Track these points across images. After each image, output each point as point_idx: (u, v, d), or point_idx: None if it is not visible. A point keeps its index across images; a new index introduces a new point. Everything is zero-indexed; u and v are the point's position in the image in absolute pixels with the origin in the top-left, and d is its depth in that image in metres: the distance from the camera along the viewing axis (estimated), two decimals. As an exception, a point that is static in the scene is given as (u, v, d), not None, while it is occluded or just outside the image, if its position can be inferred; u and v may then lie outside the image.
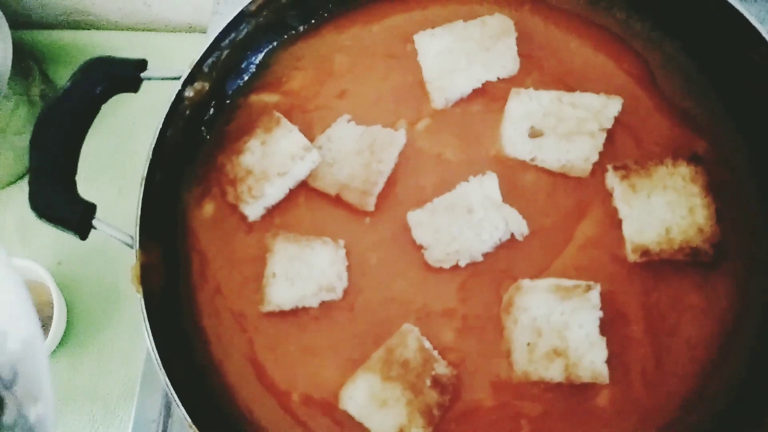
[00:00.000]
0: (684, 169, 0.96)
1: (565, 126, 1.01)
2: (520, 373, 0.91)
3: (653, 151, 1.01)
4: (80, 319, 1.35)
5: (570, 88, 1.04)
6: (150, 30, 1.60)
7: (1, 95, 1.31)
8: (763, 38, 0.94)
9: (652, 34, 1.09)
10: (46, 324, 1.28)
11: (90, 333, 1.34)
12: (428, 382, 0.91)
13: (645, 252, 0.93)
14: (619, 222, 0.97)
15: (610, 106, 1.01)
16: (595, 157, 1.00)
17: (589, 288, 0.91)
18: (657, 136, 1.02)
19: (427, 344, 0.93)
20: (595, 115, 1.01)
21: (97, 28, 1.61)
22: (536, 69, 1.08)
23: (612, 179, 0.98)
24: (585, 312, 0.90)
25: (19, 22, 1.51)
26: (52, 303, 1.25)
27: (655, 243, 0.93)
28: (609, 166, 0.98)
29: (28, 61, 1.48)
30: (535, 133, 1.02)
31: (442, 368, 0.92)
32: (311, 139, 1.05)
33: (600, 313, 0.90)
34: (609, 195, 0.99)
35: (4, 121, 1.37)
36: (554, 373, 0.89)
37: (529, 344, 0.91)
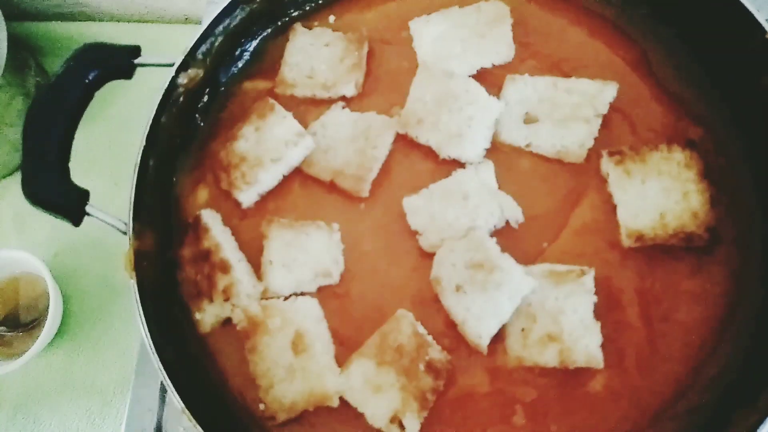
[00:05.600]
0: (679, 155, 0.96)
1: (560, 112, 1.01)
2: (514, 358, 0.91)
3: (648, 137, 1.01)
4: (76, 311, 1.35)
5: (565, 75, 1.04)
6: (145, 21, 1.59)
7: (-5, 86, 1.31)
8: (760, 25, 0.94)
9: (648, 20, 1.08)
10: (42, 315, 1.28)
11: (86, 324, 1.34)
12: (422, 367, 0.90)
13: (639, 237, 0.93)
14: (614, 208, 0.96)
15: (606, 92, 1.00)
16: (591, 143, 0.99)
17: (583, 273, 0.91)
18: (652, 122, 1.02)
19: (422, 329, 0.93)
20: (590, 101, 1.00)
21: (93, 20, 1.61)
22: (531, 56, 1.08)
23: (607, 165, 0.98)
24: (579, 297, 0.90)
25: (14, 14, 1.51)
26: (48, 294, 1.24)
27: (650, 228, 0.93)
28: (604, 152, 0.98)
29: (24, 53, 1.48)
30: (530, 119, 1.02)
31: (436, 353, 0.91)
32: (305, 126, 1.05)
33: (594, 298, 0.90)
34: (604, 181, 0.99)
35: (0, 113, 1.37)
36: (548, 357, 0.89)
37: (523, 329, 0.91)
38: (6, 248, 1.30)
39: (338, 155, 1.03)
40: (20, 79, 1.42)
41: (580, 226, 0.98)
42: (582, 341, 0.88)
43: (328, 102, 1.08)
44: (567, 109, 1.01)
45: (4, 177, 1.49)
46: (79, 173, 1.02)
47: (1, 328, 1.30)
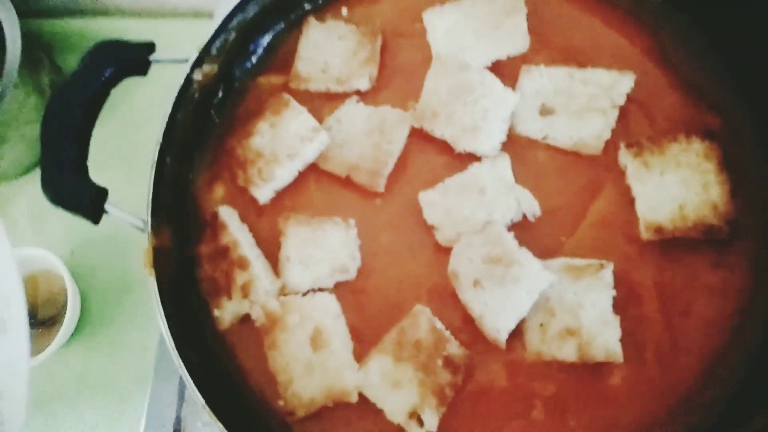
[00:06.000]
0: (698, 146, 0.95)
1: (576, 103, 1.00)
2: (533, 353, 0.91)
3: (666, 127, 1.00)
4: (94, 308, 1.36)
5: (581, 65, 1.03)
6: (157, 16, 1.59)
7: (11, 85, 1.31)
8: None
9: (662, 7, 1.07)
10: (60, 312, 1.29)
11: (103, 321, 1.35)
12: (440, 363, 0.90)
13: (658, 229, 0.92)
14: (632, 200, 0.96)
15: (622, 82, 0.99)
16: (608, 135, 0.99)
17: (601, 267, 0.91)
18: (670, 112, 1.01)
19: (439, 324, 0.93)
20: (606, 92, 0.99)
21: (105, 15, 1.61)
22: (546, 46, 1.07)
23: (625, 157, 0.97)
24: (598, 291, 0.90)
25: (27, 11, 1.51)
26: (66, 291, 1.25)
27: (669, 220, 0.92)
28: (621, 144, 0.97)
29: (37, 51, 1.48)
30: (546, 111, 1.01)
31: (454, 348, 0.91)
32: (320, 121, 1.04)
33: (613, 292, 0.89)
34: (622, 173, 0.98)
35: (15, 110, 1.37)
36: (567, 352, 0.89)
37: (541, 324, 0.91)
38: (23, 246, 1.31)
39: (353, 150, 1.03)
40: (34, 76, 1.43)
41: (598, 220, 0.97)
42: (601, 336, 0.88)
43: (343, 96, 1.08)
44: (583, 101, 1.00)
45: (20, 175, 1.50)
46: (94, 171, 1.02)
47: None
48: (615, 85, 0.99)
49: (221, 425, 0.85)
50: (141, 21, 1.59)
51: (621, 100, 0.99)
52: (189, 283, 1.01)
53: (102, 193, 0.99)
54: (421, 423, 0.89)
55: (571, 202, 0.98)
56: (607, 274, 0.90)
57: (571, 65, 1.03)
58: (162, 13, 1.59)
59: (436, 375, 0.90)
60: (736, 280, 0.92)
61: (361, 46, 1.09)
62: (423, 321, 0.93)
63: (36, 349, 1.25)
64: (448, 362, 0.91)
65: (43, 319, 1.31)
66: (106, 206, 0.99)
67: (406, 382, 0.90)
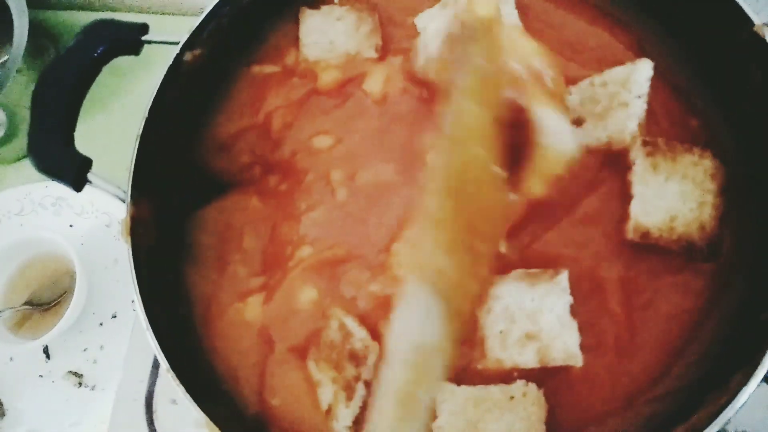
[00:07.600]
0: (708, 163, 0.93)
1: (599, 106, 0.98)
2: (494, 360, 0.89)
3: (667, 125, 0.99)
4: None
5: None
6: (165, 13, 1.63)
7: (14, 69, 1.36)
8: (748, 17, 0.93)
9: (641, 15, 1.07)
10: (66, 292, 1.33)
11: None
12: (346, 357, 0.90)
13: (645, 234, 0.90)
14: (623, 199, 0.93)
15: (637, 72, 0.96)
16: (633, 126, 0.95)
17: (556, 273, 0.90)
18: (663, 109, 1.00)
19: (348, 321, 0.92)
20: (623, 85, 0.97)
21: (113, 10, 1.65)
22: (536, 40, 1.06)
23: (637, 152, 0.94)
24: (555, 295, 0.88)
25: (37, 2, 1.56)
26: (72, 270, 1.28)
27: (657, 228, 0.90)
28: (638, 139, 0.94)
29: (44, 40, 1.53)
30: (576, 123, 0.99)
31: (357, 341, 0.90)
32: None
33: (570, 298, 0.88)
34: (623, 171, 0.95)
35: (17, 96, 1.41)
36: (528, 357, 0.87)
37: (501, 332, 0.89)
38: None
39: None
40: (39, 64, 1.47)
41: (584, 214, 0.95)
42: (560, 338, 0.86)
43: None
44: (605, 101, 0.98)
45: (22, 158, 1.53)
46: (81, 144, 1.03)
47: (26, 306, 1.33)
48: (630, 75, 0.97)
49: (183, 389, 0.84)
50: (150, 17, 1.62)
51: (641, 90, 0.95)
52: (166, 254, 1.02)
53: (86, 163, 1.01)
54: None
55: (567, 197, 0.95)
56: (563, 279, 0.89)
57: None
58: (170, 11, 1.63)
59: (345, 370, 0.90)
60: (700, 281, 0.91)
61: (361, 21, 1.09)
62: (334, 320, 0.93)
63: (42, 330, 1.27)
64: (352, 355, 0.90)
65: (49, 300, 1.34)
66: (89, 176, 1.00)
67: (325, 381, 0.91)
